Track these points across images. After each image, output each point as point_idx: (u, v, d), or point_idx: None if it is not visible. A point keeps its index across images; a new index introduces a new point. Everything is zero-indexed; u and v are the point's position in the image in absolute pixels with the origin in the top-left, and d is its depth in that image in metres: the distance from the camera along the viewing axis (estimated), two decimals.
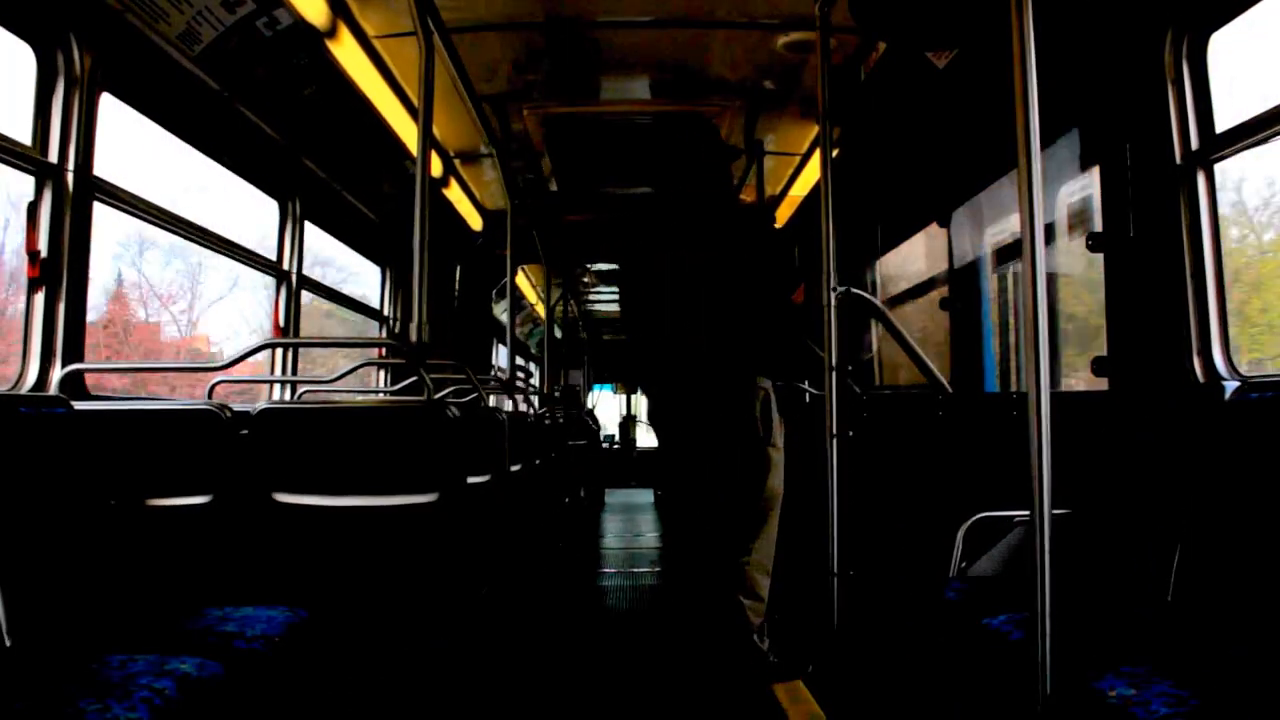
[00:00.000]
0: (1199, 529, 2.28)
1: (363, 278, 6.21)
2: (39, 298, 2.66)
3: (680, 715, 3.07)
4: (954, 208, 5.08)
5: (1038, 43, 1.88)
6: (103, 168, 2.87)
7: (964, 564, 2.94)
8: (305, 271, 4.58)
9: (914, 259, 5.95)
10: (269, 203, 4.43)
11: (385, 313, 6.16)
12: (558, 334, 12.90)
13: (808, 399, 4.63)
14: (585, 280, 10.88)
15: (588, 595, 5.33)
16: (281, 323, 4.46)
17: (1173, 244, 2.78)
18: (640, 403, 17.62)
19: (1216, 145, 2.70)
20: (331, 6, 3.54)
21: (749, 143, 5.11)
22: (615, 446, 16.07)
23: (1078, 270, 3.93)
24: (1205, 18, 2.70)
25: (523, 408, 5.99)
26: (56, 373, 2.65)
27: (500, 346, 9.55)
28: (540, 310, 11.40)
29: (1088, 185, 3.60)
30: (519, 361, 11.03)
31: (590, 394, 17.09)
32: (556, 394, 7.88)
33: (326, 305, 5.58)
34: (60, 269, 2.69)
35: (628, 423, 16.63)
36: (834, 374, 2.83)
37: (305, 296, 4.67)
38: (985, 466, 3.23)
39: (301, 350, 4.86)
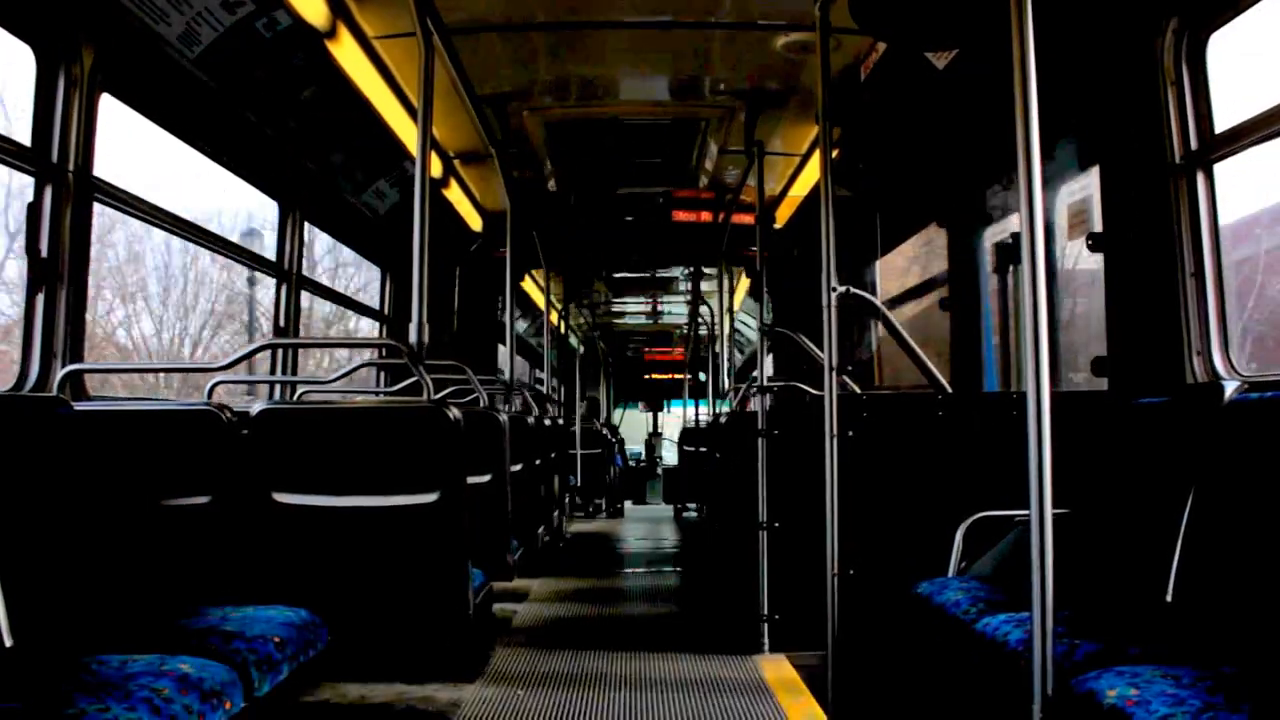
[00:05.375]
0: (1198, 529, 2.28)
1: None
2: (39, 298, 2.66)
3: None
4: (954, 207, 5.08)
5: (1038, 43, 1.88)
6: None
7: (964, 564, 2.94)
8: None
9: (914, 259, 5.95)
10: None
11: (385, 313, 6.16)
12: (577, 346, 12.89)
13: (807, 399, 4.63)
14: (599, 290, 10.83)
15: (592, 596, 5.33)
16: (281, 323, 4.46)
17: (1172, 244, 2.79)
18: (666, 421, 17.66)
19: (1215, 145, 2.71)
20: (331, 7, 3.54)
21: (749, 143, 5.11)
22: (641, 464, 16.05)
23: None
24: (1204, 18, 2.70)
25: (520, 409, 6.00)
26: (57, 373, 2.65)
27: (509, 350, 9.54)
28: (553, 319, 11.40)
29: (1087, 185, 3.60)
30: (539, 375, 11.01)
31: (616, 412, 17.12)
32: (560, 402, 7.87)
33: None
34: (60, 269, 2.69)
35: (653, 440, 16.62)
36: (833, 374, 2.83)
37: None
38: (985, 466, 3.23)
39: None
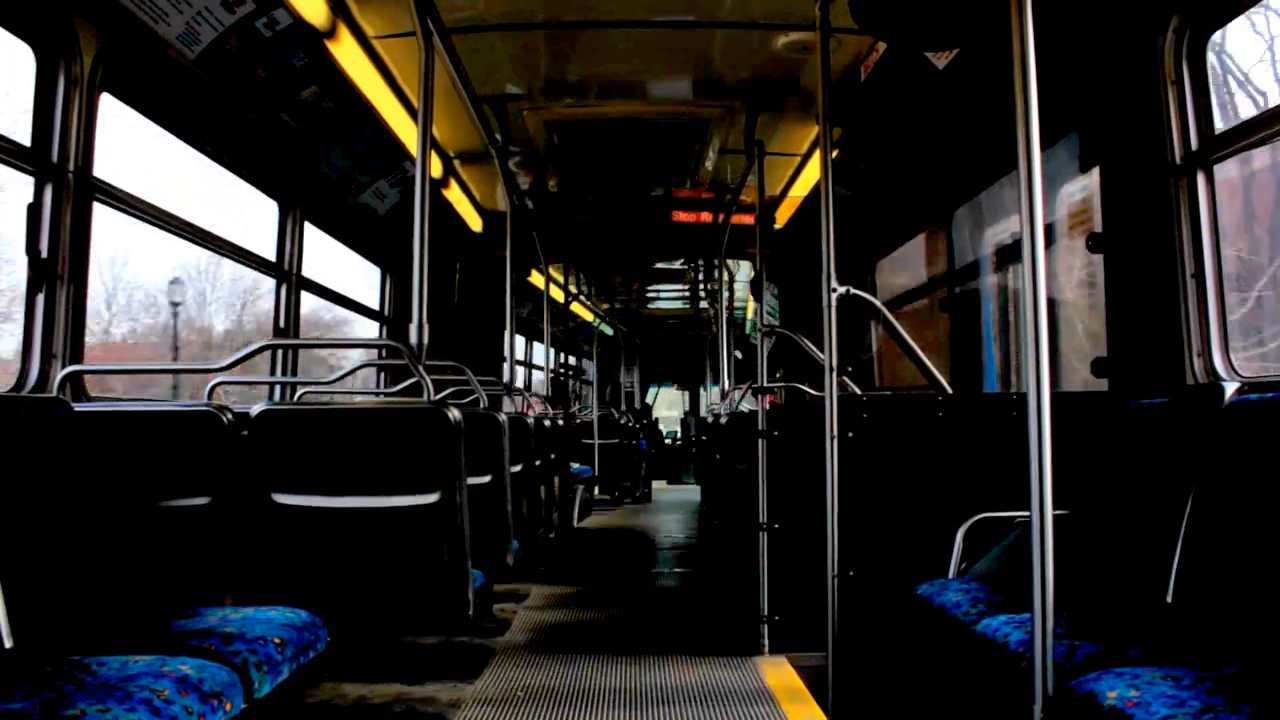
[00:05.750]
0: (1198, 530, 2.28)
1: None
2: (39, 299, 2.66)
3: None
4: (954, 208, 5.08)
5: (1037, 43, 1.88)
6: None
7: (964, 564, 2.94)
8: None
9: (914, 259, 5.95)
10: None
11: (385, 313, 6.16)
12: (597, 328, 12.86)
13: (807, 399, 4.64)
14: (619, 280, 10.86)
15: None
16: (281, 324, 4.46)
17: (1172, 244, 2.79)
18: (703, 399, 17.60)
19: (1215, 145, 2.70)
20: (331, 6, 3.54)
21: (749, 143, 5.12)
22: (677, 443, 15.96)
23: None
24: (1204, 18, 2.70)
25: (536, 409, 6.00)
26: (57, 374, 2.65)
27: (535, 345, 9.43)
28: (583, 312, 11.35)
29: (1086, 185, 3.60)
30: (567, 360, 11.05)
31: (650, 392, 17.04)
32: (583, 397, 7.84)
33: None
34: (60, 269, 2.69)
35: (688, 419, 16.54)
36: (833, 375, 2.83)
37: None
38: (985, 466, 3.23)
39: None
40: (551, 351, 8.70)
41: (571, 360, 12.82)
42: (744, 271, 9.30)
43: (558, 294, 10.27)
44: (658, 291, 12.04)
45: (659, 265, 9.96)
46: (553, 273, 9.17)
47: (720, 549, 5.83)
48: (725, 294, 7.53)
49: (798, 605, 3.65)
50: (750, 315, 11.73)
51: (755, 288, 7.75)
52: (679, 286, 11.60)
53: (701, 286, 10.43)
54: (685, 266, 10.00)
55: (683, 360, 17.03)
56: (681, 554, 7.15)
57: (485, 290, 7.34)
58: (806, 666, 3.49)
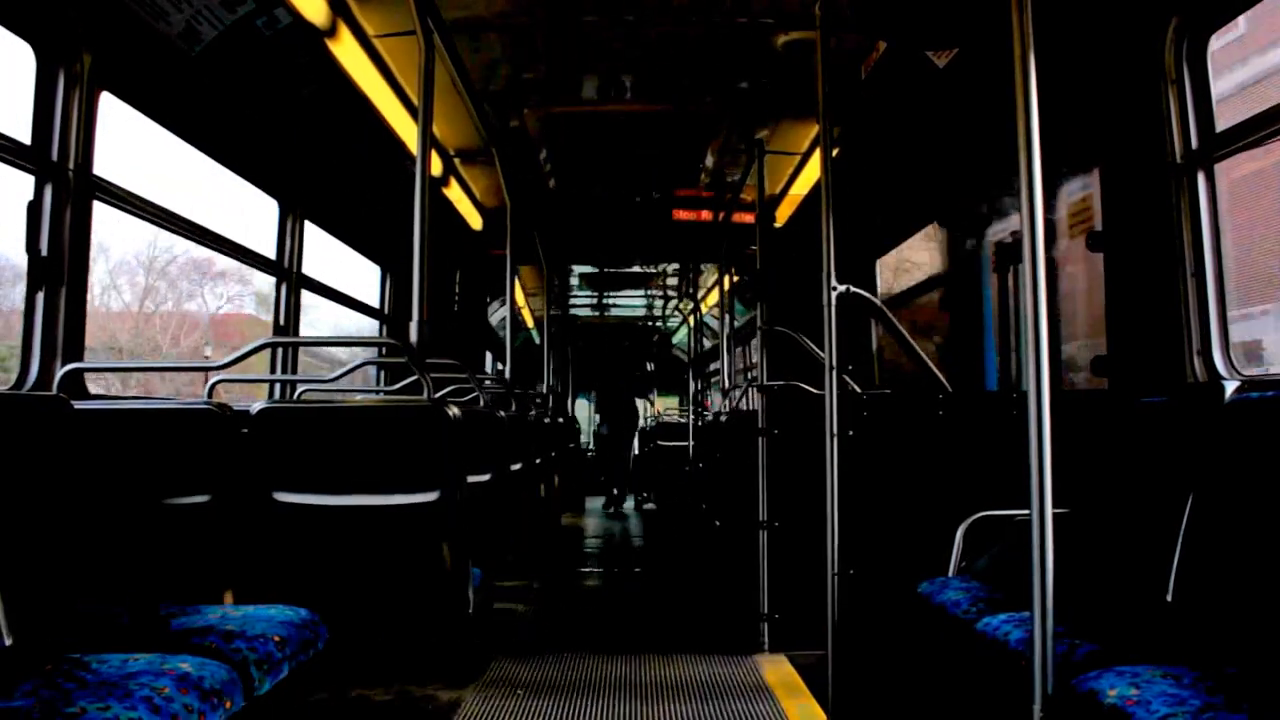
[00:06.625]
0: (1198, 529, 2.28)
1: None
2: (39, 297, 2.66)
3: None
4: (954, 206, 5.08)
5: (1038, 43, 1.88)
6: None
7: (964, 563, 2.95)
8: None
9: (914, 258, 5.95)
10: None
11: (385, 312, 6.16)
12: (536, 339, 12.92)
13: (809, 397, 4.64)
14: (565, 283, 10.87)
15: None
16: (281, 322, 4.46)
17: (1173, 244, 2.79)
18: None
19: (1216, 145, 2.71)
20: (331, 6, 3.54)
21: (749, 143, 5.13)
22: (590, 454, 15.99)
23: None
24: (1205, 18, 2.70)
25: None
26: (57, 372, 2.65)
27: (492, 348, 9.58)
28: (526, 315, 11.46)
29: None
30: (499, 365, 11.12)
31: (568, 402, 17.03)
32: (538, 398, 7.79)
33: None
34: (61, 269, 2.69)
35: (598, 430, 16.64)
36: (834, 374, 2.83)
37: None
38: (985, 466, 3.24)
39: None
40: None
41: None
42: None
43: (519, 298, 10.23)
44: (606, 297, 12.01)
45: (630, 270, 9.92)
46: (526, 278, 9.15)
47: (717, 547, 5.83)
48: (727, 296, 7.53)
49: (797, 603, 3.65)
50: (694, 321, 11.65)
51: (757, 287, 7.75)
52: (627, 293, 11.60)
53: (666, 291, 10.40)
54: (653, 271, 9.97)
55: (602, 368, 16.97)
56: (672, 556, 7.15)
57: (484, 288, 7.34)
58: (806, 664, 3.49)
